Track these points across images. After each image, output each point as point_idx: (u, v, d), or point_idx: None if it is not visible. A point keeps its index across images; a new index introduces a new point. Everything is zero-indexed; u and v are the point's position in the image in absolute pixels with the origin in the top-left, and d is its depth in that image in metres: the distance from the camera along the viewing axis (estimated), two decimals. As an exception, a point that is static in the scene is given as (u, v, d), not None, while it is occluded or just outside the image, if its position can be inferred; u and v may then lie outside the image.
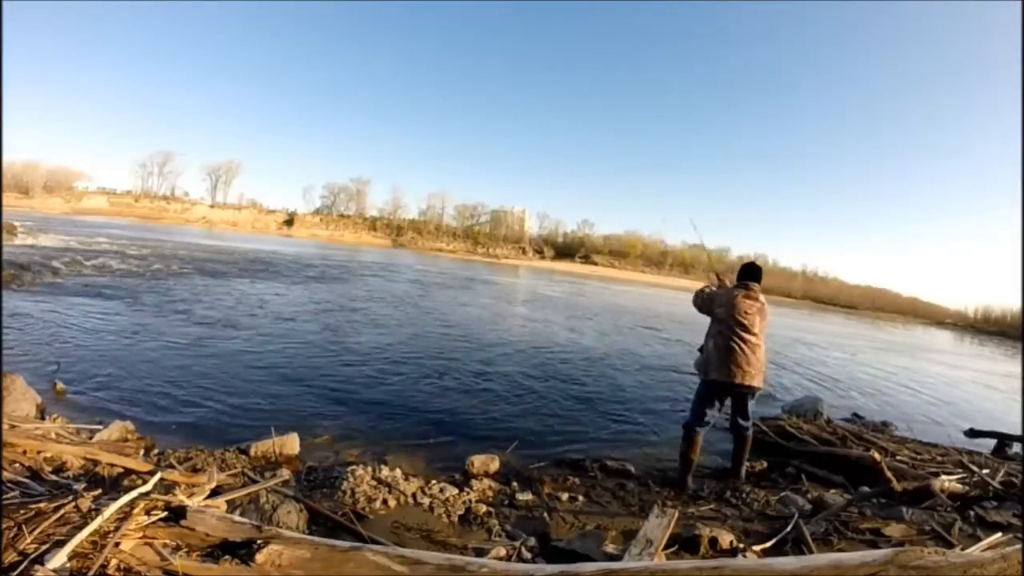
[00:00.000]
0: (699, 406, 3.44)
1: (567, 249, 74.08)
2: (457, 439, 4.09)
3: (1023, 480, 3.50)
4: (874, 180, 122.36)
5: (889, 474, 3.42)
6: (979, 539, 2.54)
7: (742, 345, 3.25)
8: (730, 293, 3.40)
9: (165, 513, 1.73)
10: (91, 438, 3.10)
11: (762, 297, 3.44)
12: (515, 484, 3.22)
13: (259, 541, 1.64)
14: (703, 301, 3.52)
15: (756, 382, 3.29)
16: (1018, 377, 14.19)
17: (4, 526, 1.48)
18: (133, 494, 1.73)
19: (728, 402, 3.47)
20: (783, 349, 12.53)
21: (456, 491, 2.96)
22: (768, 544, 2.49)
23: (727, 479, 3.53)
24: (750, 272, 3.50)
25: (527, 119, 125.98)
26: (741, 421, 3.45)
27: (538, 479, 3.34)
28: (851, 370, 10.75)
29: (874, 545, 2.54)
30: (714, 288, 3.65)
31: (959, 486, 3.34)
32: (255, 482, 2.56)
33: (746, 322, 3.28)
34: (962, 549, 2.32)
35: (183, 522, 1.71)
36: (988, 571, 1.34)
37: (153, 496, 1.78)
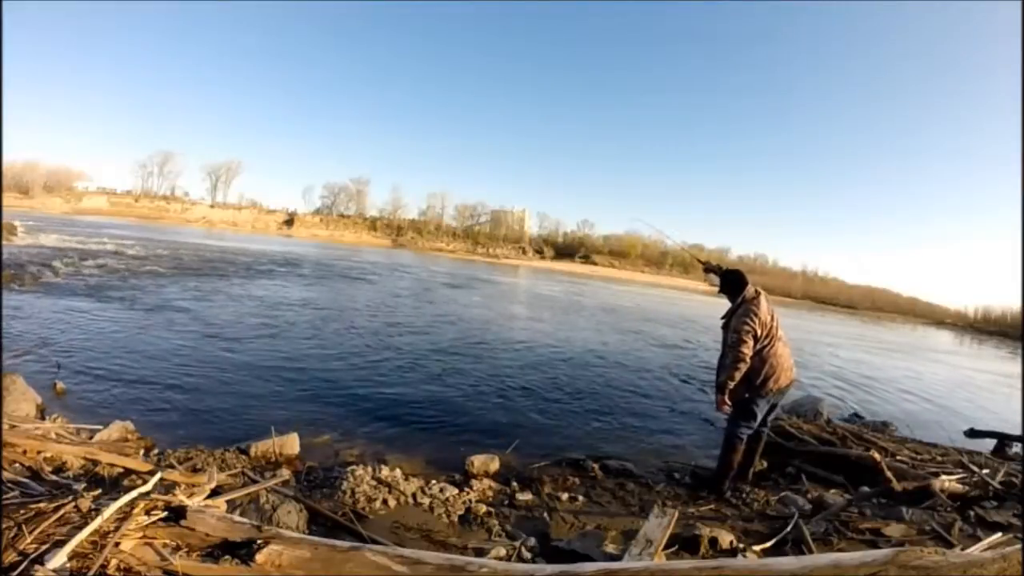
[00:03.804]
0: (752, 413, 3.31)
1: (567, 249, 74.02)
2: (457, 439, 4.09)
3: (1023, 480, 3.50)
4: (874, 180, 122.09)
5: (889, 474, 3.42)
6: (979, 539, 2.55)
7: (780, 346, 3.29)
8: (747, 319, 3.17)
9: (165, 513, 1.73)
10: (91, 438, 3.10)
11: (762, 292, 3.38)
12: (515, 484, 3.22)
13: (259, 541, 1.64)
14: (741, 353, 3.18)
15: (795, 372, 3.42)
16: (1018, 377, 14.19)
17: (4, 526, 1.48)
18: (133, 494, 1.73)
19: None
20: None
21: (456, 491, 2.96)
22: (768, 544, 2.49)
23: (736, 480, 3.43)
24: (739, 280, 3.39)
25: (527, 119, 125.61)
26: (768, 419, 3.51)
27: (538, 479, 3.34)
28: (851, 369, 10.74)
29: (874, 545, 2.54)
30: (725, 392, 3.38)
31: (959, 486, 3.33)
32: (255, 482, 2.56)
33: (773, 326, 3.28)
34: (962, 549, 2.32)
35: (183, 522, 1.71)
36: (988, 571, 1.34)
37: (153, 496, 1.78)
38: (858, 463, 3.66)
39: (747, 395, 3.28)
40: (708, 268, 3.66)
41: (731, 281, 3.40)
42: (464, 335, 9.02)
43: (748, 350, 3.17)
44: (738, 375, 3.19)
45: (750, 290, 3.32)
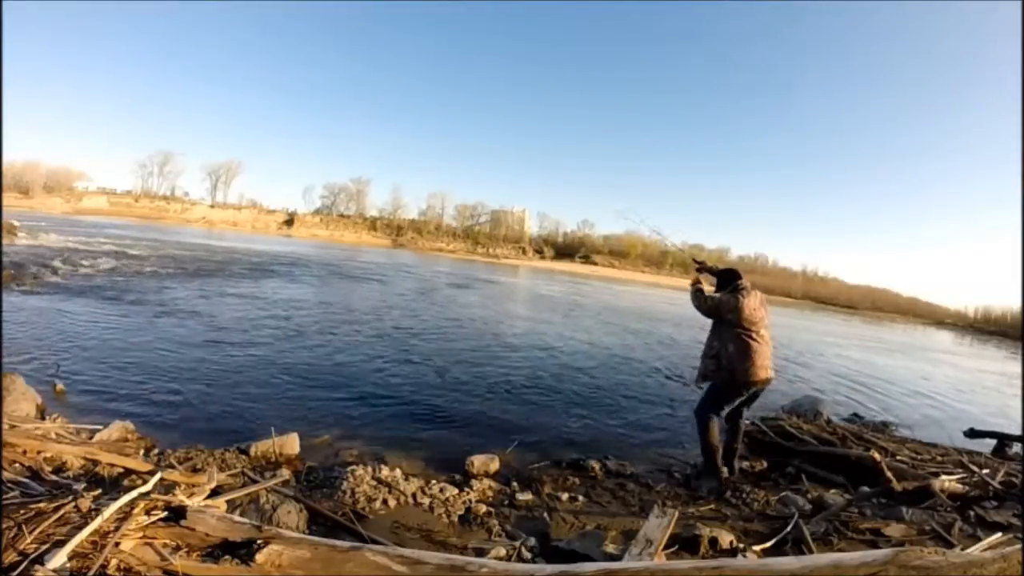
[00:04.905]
0: (719, 402, 3.55)
1: (567, 249, 74.03)
2: (457, 439, 4.09)
3: (1023, 480, 3.50)
4: (874, 180, 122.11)
5: (889, 474, 3.42)
6: (979, 539, 2.55)
7: (761, 343, 3.42)
8: (734, 298, 3.42)
9: (165, 513, 1.73)
10: (91, 438, 3.10)
11: (756, 289, 3.56)
12: (515, 484, 3.22)
13: (259, 541, 1.64)
14: (709, 308, 3.55)
15: (772, 374, 3.51)
16: (1018, 377, 14.19)
17: (4, 526, 1.48)
18: (133, 494, 1.73)
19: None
20: (782, 349, 12.54)
21: (456, 491, 2.96)
22: (768, 544, 2.49)
23: (726, 458, 3.62)
24: (733, 275, 3.62)
25: (527, 119, 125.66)
26: (744, 411, 3.62)
27: (538, 479, 3.34)
28: (851, 369, 10.74)
29: (874, 545, 2.54)
30: (703, 286, 3.72)
31: (959, 486, 3.33)
32: (255, 482, 2.56)
33: (757, 319, 3.42)
34: (962, 549, 2.32)
35: (183, 522, 1.71)
36: (988, 571, 1.34)
37: (153, 496, 1.78)
38: (858, 463, 3.66)
39: (720, 385, 3.51)
40: (701, 268, 3.86)
41: (725, 278, 3.63)
42: (464, 335, 9.02)
43: (706, 308, 3.53)
44: (693, 298, 3.64)
45: (744, 282, 3.52)
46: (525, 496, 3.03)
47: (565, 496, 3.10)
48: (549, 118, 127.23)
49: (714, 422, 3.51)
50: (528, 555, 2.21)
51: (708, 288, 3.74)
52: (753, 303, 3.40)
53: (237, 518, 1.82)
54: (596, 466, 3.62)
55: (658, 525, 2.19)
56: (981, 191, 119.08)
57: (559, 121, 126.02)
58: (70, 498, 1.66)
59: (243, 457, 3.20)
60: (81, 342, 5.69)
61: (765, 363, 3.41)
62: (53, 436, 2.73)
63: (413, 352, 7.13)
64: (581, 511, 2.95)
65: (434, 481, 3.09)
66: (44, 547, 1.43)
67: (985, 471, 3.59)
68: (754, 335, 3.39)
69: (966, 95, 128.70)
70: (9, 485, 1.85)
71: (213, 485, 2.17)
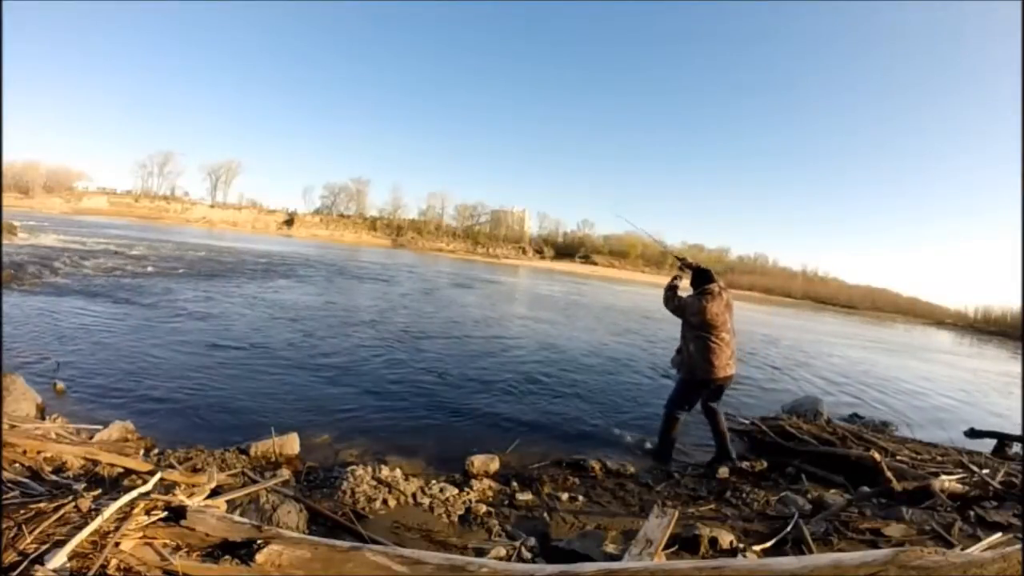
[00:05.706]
0: (684, 398, 3.88)
1: (567, 249, 74.04)
2: (457, 439, 4.09)
3: (1023, 480, 3.50)
4: (874, 180, 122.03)
5: (889, 474, 3.42)
6: (979, 539, 2.55)
7: (721, 345, 3.62)
8: (698, 302, 3.63)
9: (165, 513, 1.73)
10: (91, 438, 3.10)
11: (724, 293, 3.72)
12: (515, 484, 3.22)
13: (259, 541, 1.65)
14: (675, 308, 3.83)
15: (733, 371, 3.75)
16: (1018, 377, 14.19)
17: (4, 526, 1.48)
18: (133, 494, 1.73)
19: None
20: (782, 348, 12.54)
21: (456, 491, 2.96)
22: (768, 544, 2.49)
23: (719, 462, 3.77)
24: (705, 277, 3.79)
25: (527, 119, 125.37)
26: (713, 404, 3.82)
27: (538, 479, 3.34)
28: (851, 369, 10.74)
29: (874, 545, 2.55)
30: (679, 285, 3.95)
31: (959, 486, 3.33)
32: (255, 482, 2.56)
33: (719, 323, 3.62)
34: (962, 549, 2.32)
35: (183, 522, 1.71)
36: (988, 571, 1.34)
37: (153, 496, 1.78)
38: (858, 463, 3.66)
39: (684, 380, 3.83)
40: (684, 264, 4.02)
41: (698, 277, 3.83)
42: (465, 335, 9.02)
43: (672, 308, 3.82)
44: (664, 297, 3.90)
45: (712, 287, 3.70)
46: (525, 496, 3.03)
47: (565, 496, 3.10)
48: (549, 118, 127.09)
49: (678, 419, 3.88)
50: (528, 555, 2.21)
51: (686, 284, 3.93)
52: (716, 308, 3.59)
53: (237, 518, 1.82)
54: (596, 466, 3.62)
55: (658, 525, 2.19)
56: (981, 191, 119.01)
57: (559, 121, 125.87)
58: (70, 498, 1.66)
59: (243, 457, 3.20)
60: (81, 342, 5.69)
61: (724, 363, 3.62)
62: (53, 436, 2.73)
63: (414, 352, 7.12)
64: (581, 511, 2.95)
65: (434, 481, 3.09)
66: (44, 547, 1.43)
67: (985, 471, 3.59)
68: (714, 338, 3.60)
69: (966, 95, 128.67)
70: (9, 485, 1.85)
71: (213, 485, 2.17)
